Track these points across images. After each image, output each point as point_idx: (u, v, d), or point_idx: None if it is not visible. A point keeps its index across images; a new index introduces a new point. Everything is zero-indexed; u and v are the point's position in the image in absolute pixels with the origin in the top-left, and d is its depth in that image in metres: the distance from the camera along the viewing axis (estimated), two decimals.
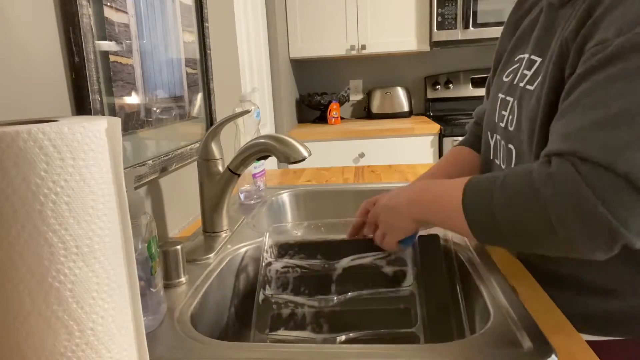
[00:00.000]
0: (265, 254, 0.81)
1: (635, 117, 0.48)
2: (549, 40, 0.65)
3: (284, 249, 0.85)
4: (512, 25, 0.79)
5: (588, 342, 0.53)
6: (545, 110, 0.61)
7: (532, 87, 0.65)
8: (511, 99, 0.71)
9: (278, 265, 0.81)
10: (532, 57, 0.68)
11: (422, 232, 0.76)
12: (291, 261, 0.82)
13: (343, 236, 0.85)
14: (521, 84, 0.69)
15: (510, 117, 0.70)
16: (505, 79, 0.75)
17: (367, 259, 0.79)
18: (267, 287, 0.78)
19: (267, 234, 0.83)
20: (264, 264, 0.79)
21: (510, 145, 0.70)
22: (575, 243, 0.50)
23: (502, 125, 0.72)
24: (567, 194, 0.49)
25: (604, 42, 0.53)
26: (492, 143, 0.77)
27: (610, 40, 0.52)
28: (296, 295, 0.78)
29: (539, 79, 0.64)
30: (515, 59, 0.74)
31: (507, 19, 0.82)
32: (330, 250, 0.84)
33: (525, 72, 0.68)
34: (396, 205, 0.70)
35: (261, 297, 0.75)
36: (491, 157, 0.78)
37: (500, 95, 0.74)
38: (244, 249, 0.84)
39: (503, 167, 0.73)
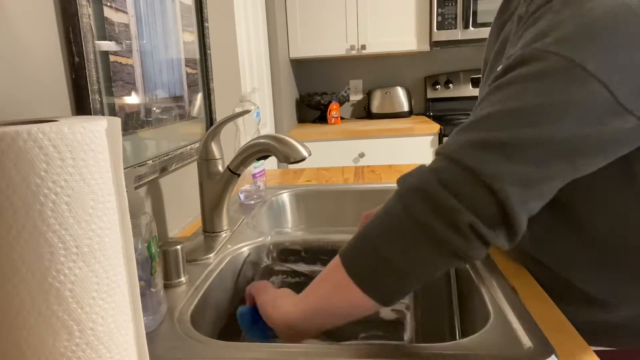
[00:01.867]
0: (265, 258, 0.81)
1: (500, 121, 0.48)
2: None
3: (284, 254, 0.85)
4: (495, 32, 0.78)
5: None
6: None
7: None
8: None
9: (277, 269, 0.81)
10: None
11: None
12: (291, 266, 0.82)
13: (346, 237, 0.85)
14: None
15: None
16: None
17: None
18: None
19: (269, 237, 0.83)
20: (262, 266, 0.79)
21: None
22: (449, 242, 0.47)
23: None
24: (415, 183, 0.50)
25: (511, 55, 0.53)
26: None
27: (515, 51, 0.52)
28: None
29: None
30: (498, 68, 0.74)
31: (491, 27, 0.81)
32: (330, 257, 0.84)
33: None
34: (291, 324, 0.58)
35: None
36: None
37: None
38: (244, 249, 0.84)
39: None
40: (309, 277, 0.80)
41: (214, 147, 0.86)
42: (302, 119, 3.21)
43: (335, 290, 0.53)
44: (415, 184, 0.49)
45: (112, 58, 0.72)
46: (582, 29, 0.47)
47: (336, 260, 0.54)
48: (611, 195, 0.58)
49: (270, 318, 0.59)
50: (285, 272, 0.81)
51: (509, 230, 0.48)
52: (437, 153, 0.51)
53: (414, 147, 2.56)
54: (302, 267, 0.83)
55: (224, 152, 0.90)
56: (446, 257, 0.48)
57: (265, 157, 0.84)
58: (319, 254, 0.85)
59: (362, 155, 2.57)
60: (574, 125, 0.46)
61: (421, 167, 0.52)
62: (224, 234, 0.89)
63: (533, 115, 0.47)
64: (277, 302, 0.59)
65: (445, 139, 2.53)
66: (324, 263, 0.83)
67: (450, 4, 2.60)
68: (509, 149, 0.47)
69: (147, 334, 0.44)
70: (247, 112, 0.97)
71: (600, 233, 0.61)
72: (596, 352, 0.59)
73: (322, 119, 3.02)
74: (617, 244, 0.61)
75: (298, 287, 0.80)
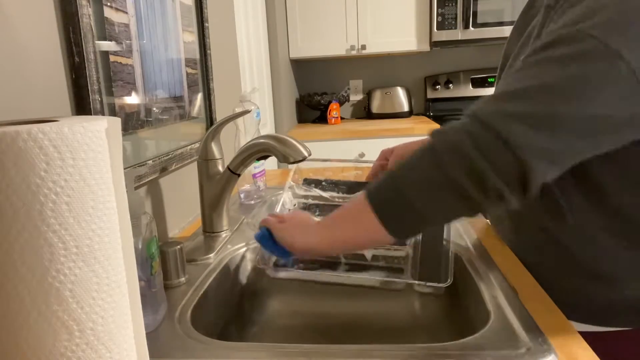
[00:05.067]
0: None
1: (535, 96, 0.52)
2: None
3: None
4: (519, 30, 0.81)
5: (590, 333, 0.53)
6: None
7: None
8: None
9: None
10: None
11: None
12: (313, 191, 0.89)
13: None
14: None
15: None
16: None
17: None
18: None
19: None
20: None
21: None
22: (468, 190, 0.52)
23: None
24: (452, 142, 0.54)
25: (551, 32, 0.56)
26: None
27: (555, 30, 0.56)
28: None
29: None
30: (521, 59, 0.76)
31: (516, 23, 0.84)
32: (348, 188, 0.92)
33: None
34: (307, 225, 0.66)
35: None
36: None
37: None
38: (244, 249, 0.84)
39: None
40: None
41: (214, 147, 0.86)
42: (302, 119, 3.21)
43: (361, 229, 0.59)
44: (452, 143, 0.54)
45: (112, 58, 0.72)
46: (622, 16, 0.51)
47: (362, 199, 0.59)
48: None
49: (291, 247, 0.64)
50: (306, 196, 0.86)
51: (525, 194, 0.53)
52: (472, 115, 0.55)
53: None
54: (323, 193, 0.89)
55: (224, 152, 0.90)
56: (466, 210, 0.55)
57: (265, 157, 0.84)
58: (338, 186, 0.90)
59: (362, 155, 2.57)
60: (603, 106, 0.50)
61: (454, 127, 0.56)
62: (224, 234, 0.89)
63: (567, 93, 0.51)
64: (296, 231, 0.65)
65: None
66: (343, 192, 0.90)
67: (450, 4, 2.60)
68: (539, 123, 0.51)
69: (147, 334, 0.44)
70: (247, 112, 0.97)
71: (626, 206, 0.63)
72: (610, 332, 0.60)
73: (322, 119, 3.02)
74: None
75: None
